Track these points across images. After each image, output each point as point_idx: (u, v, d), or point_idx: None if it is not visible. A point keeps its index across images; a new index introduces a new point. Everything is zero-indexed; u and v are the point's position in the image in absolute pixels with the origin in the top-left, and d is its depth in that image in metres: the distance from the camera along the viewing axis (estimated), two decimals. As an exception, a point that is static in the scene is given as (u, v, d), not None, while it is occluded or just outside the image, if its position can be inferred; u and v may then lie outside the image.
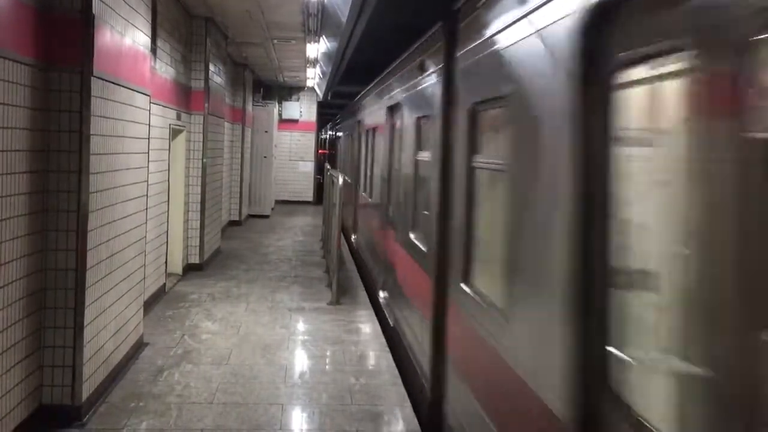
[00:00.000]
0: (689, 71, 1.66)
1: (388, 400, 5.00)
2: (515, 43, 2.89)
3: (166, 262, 8.02)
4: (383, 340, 6.53)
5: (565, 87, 2.27)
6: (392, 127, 7.25)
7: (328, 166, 14.30)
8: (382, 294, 7.41)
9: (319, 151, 25.19)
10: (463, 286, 3.79)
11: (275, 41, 11.29)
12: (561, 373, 2.21)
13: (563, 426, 2.16)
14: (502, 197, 3.03)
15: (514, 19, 2.90)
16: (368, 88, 10.62)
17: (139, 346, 5.79)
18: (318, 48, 11.65)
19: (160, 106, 7.38)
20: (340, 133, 19.25)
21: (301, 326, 6.92)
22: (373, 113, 9.34)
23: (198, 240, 9.31)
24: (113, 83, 4.76)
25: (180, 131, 8.74)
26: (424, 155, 5.23)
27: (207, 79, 9.28)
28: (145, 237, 5.99)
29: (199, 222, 9.28)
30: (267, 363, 5.68)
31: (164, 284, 7.93)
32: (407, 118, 6.11)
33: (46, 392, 4.26)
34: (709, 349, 1.50)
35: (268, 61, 13.84)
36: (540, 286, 2.51)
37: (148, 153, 5.92)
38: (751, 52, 1.40)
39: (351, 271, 10.07)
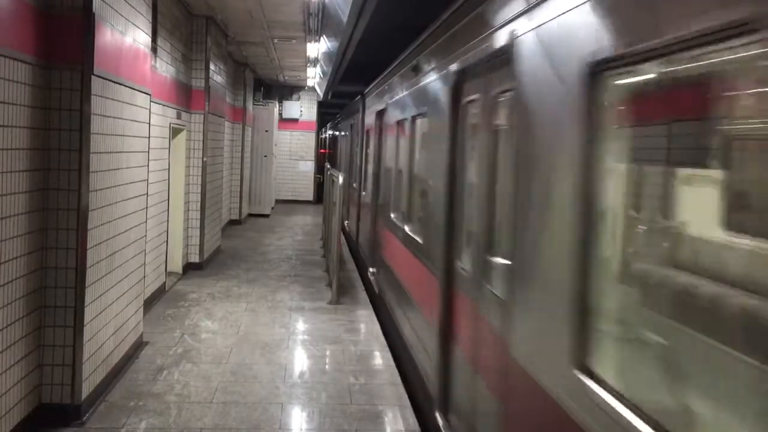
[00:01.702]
0: (481, 111, 3.70)
1: (388, 399, 4.99)
2: (428, 83, 5.23)
3: (166, 261, 8.02)
4: (383, 339, 6.53)
5: (446, 109, 4.38)
6: (379, 131, 8.92)
7: (328, 165, 14.30)
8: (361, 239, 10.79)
9: (321, 150, 25.21)
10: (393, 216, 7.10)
11: (276, 40, 11.29)
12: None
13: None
14: (427, 168, 5.18)
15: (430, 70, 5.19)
16: (344, 108, 15.38)
17: (139, 345, 5.79)
18: (318, 47, 11.64)
19: (161, 105, 7.38)
20: (338, 133, 19.65)
21: (300, 326, 6.92)
22: (353, 125, 12.50)
23: (198, 239, 9.30)
24: (114, 82, 4.76)
25: (180, 130, 8.73)
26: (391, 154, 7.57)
27: (207, 78, 9.28)
28: (145, 236, 5.99)
29: (199, 221, 9.27)
30: (267, 362, 5.67)
31: (164, 283, 7.93)
32: (382, 127, 8.55)
33: (45, 391, 4.26)
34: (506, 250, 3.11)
35: (268, 60, 13.84)
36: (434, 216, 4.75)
37: (149, 152, 5.92)
38: (497, 106, 3.39)
39: (351, 271, 10.07)
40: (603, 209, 2.18)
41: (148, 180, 5.93)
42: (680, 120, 1.94)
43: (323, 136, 27.33)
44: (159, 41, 7.26)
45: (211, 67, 9.51)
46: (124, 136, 5.07)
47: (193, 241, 9.28)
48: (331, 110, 24.79)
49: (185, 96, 8.78)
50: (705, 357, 1.76)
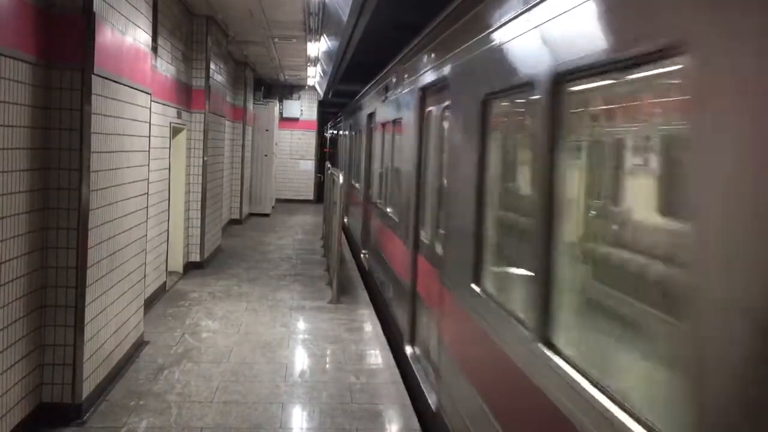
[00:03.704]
0: (445, 114, 4.70)
1: (389, 399, 4.99)
2: (403, 94, 6.59)
3: (166, 261, 8.02)
4: (383, 339, 6.53)
5: (416, 115, 5.63)
6: (370, 133, 10.14)
7: (329, 165, 14.30)
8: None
9: (324, 149, 25.22)
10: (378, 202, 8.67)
11: (276, 40, 11.28)
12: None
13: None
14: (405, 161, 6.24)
15: (404, 83, 6.52)
16: (343, 108, 17.05)
17: (140, 344, 5.79)
18: (319, 47, 11.64)
19: (161, 105, 7.37)
20: (338, 132, 19.94)
21: (301, 325, 6.92)
22: (350, 125, 13.80)
23: (199, 238, 9.30)
24: (114, 81, 4.76)
25: (181, 129, 8.73)
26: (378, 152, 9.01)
27: (208, 77, 9.28)
28: (146, 235, 5.99)
29: (199, 220, 9.27)
30: (267, 361, 5.67)
31: (165, 282, 7.93)
32: (366, 130, 10.41)
33: (46, 390, 4.26)
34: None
35: (269, 59, 13.83)
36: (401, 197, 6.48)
37: (149, 151, 5.92)
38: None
39: (352, 270, 10.07)
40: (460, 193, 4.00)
41: (148, 179, 5.93)
42: None
43: (327, 134, 27.29)
44: (159, 41, 7.26)
45: (212, 66, 9.51)
46: (124, 135, 5.07)
47: (193, 240, 9.28)
48: (331, 109, 24.78)
49: (186, 95, 8.78)
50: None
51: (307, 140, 20.68)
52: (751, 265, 1.39)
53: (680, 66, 1.66)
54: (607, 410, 1.91)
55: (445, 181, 4.50)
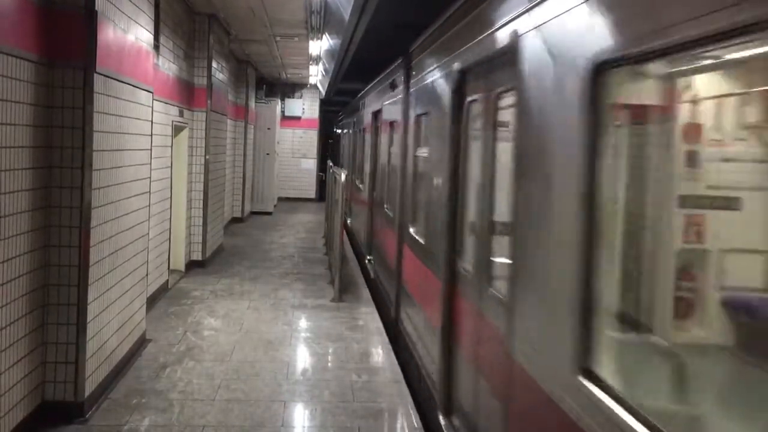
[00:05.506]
0: (382, 128, 8.92)
1: (390, 397, 5.00)
2: (365, 113, 11.50)
3: (168, 259, 8.03)
4: (385, 337, 6.53)
5: (371, 127, 10.20)
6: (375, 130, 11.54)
7: (331, 163, 14.32)
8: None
9: (327, 151, 25.20)
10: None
11: (278, 38, 11.28)
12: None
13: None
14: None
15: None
16: (343, 108, 19.63)
17: (142, 342, 5.80)
18: (321, 45, 11.63)
19: (163, 103, 7.37)
20: (336, 132, 20.57)
21: (303, 323, 6.93)
22: (342, 128, 17.17)
23: (201, 237, 9.31)
24: (116, 80, 4.76)
25: (182, 128, 8.73)
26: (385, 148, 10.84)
27: (210, 76, 9.28)
28: (148, 234, 5.99)
29: (201, 219, 9.28)
30: (269, 360, 5.68)
31: (167, 281, 7.94)
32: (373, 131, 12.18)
33: (48, 388, 4.27)
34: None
35: (270, 58, 13.82)
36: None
37: (151, 150, 5.92)
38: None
39: (353, 269, 10.07)
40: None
41: (150, 178, 5.93)
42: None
43: (333, 132, 27.20)
44: (161, 39, 7.26)
45: (214, 64, 9.51)
46: (126, 133, 5.07)
47: (195, 238, 9.29)
48: (333, 108, 24.77)
49: (187, 94, 8.78)
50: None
51: (309, 139, 20.68)
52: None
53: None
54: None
55: (384, 168, 8.07)
